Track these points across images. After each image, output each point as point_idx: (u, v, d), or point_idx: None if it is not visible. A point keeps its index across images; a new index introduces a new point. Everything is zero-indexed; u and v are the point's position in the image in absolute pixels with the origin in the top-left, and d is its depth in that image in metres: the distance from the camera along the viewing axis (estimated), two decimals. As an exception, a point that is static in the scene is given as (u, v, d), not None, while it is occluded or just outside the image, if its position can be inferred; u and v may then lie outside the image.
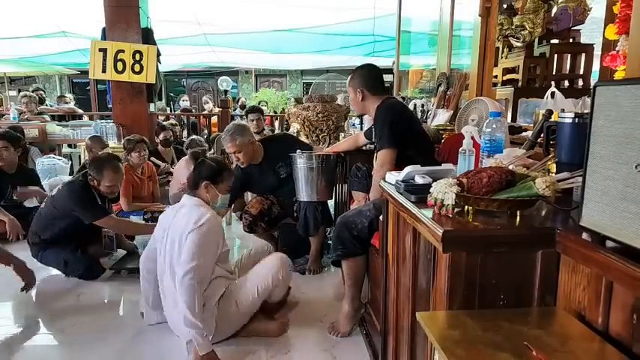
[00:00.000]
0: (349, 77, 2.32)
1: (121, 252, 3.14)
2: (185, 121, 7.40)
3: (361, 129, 3.57)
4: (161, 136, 4.59)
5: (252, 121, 4.56)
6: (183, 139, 5.43)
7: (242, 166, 2.86)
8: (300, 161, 2.73)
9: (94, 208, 2.77)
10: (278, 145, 2.99)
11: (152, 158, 4.33)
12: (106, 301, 2.57)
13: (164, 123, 5.71)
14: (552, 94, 2.08)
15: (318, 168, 2.71)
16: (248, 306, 2.03)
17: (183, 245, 1.88)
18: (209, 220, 1.89)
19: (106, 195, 2.85)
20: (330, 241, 2.99)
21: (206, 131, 6.64)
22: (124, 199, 3.54)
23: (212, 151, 4.92)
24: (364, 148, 2.84)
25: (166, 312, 2.08)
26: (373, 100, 2.25)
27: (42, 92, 7.73)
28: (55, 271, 2.83)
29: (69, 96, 8.67)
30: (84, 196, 2.75)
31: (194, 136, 4.81)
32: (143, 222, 3.17)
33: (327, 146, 3.95)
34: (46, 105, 7.28)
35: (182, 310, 1.81)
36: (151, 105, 5.03)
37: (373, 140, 2.45)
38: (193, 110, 8.04)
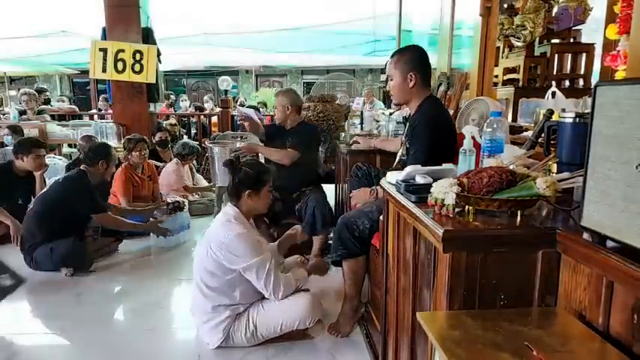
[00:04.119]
0: (395, 57, 1.95)
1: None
2: (187, 121, 7.41)
3: (361, 129, 3.56)
4: (157, 137, 4.61)
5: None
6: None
7: (277, 122, 3.26)
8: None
9: (96, 202, 3.00)
10: (306, 127, 3.26)
11: (150, 160, 4.34)
12: (106, 300, 2.57)
13: (164, 123, 5.73)
14: (553, 94, 2.08)
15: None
16: (265, 334, 2.00)
17: (207, 253, 1.93)
18: (237, 232, 1.90)
19: (104, 180, 3.19)
20: (330, 242, 2.99)
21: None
22: (124, 198, 3.55)
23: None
24: (365, 148, 2.84)
25: (193, 312, 2.09)
26: (421, 92, 1.94)
27: (47, 93, 7.75)
28: (54, 272, 2.83)
29: (66, 94, 8.72)
30: (87, 188, 2.95)
31: (185, 140, 4.80)
32: (136, 222, 3.35)
33: (327, 146, 3.96)
34: (51, 106, 7.31)
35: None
36: (151, 105, 5.01)
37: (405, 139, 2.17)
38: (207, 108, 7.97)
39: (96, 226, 3.17)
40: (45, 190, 3.05)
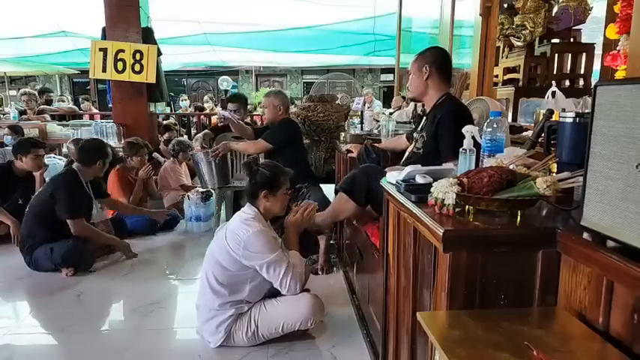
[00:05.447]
0: (415, 56, 2.05)
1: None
2: (187, 121, 7.43)
3: (361, 129, 3.56)
4: (166, 136, 4.77)
5: (231, 111, 4.50)
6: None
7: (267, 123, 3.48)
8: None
9: (74, 205, 2.87)
10: (284, 121, 3.36)
11: (155, 154, 4.41)
12: (106, 300, 2.57)
13: (165, 122, 5.78)
14: (553, 94, 2.07)
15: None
16: (267, 335, 2.00)
17: (224, 248, 1.94)
18: (255, 230, 1.91)
19: (98, 176, 3.12)
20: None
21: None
22: (123, 199, 3.61)
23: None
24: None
25: (198, 307, 2.08)
26: (438, 86, 2.01)
27: (50, 94, 7.73)
28: (54, 272, 2.83)
29: (66, 96, 8.72)
30: (68, 189, 2.86)
31: (180, 138, 4.83)
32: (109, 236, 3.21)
33: (327, 146, 3.96)
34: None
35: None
36: (152, 105, 5.01)
37: (415, 136, 2.19)
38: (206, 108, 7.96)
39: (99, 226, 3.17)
40: (39, 190, 3.05)
